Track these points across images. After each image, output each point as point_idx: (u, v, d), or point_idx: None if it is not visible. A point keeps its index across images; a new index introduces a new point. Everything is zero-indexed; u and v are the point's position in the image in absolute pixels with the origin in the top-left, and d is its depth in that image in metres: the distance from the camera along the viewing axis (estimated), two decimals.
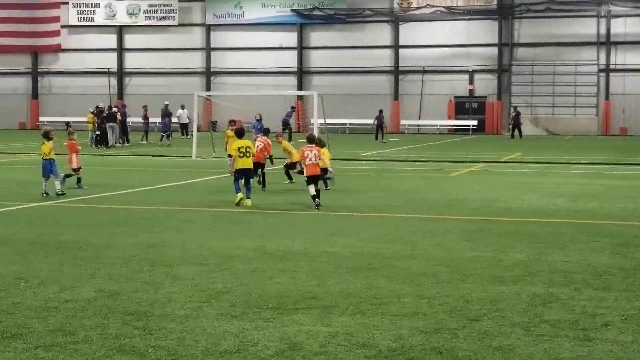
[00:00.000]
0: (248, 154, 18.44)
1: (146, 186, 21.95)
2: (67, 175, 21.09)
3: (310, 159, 18.08)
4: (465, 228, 14.87)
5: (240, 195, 18.16)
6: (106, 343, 7.59)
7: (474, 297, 9.48)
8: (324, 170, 20.14)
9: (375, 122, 50.63)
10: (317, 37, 64.05)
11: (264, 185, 21.60)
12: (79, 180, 21.59)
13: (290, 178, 22.98)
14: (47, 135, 20.21)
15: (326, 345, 7.55)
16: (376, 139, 49.10)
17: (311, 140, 18.84)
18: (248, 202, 18.11)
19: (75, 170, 21.73)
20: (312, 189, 17.73)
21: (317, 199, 17.65)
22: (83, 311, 8.74)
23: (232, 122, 27.30)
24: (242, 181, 18.52)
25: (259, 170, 21.34)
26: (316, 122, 34.42)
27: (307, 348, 7.47)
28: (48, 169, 19.74)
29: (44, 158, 19.81)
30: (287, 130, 46.56)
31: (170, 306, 8.98)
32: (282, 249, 12.56)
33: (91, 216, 16.47)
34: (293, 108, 50.32)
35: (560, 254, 12.32)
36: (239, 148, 18.47)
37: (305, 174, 18.09)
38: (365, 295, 9.51)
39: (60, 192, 19.75)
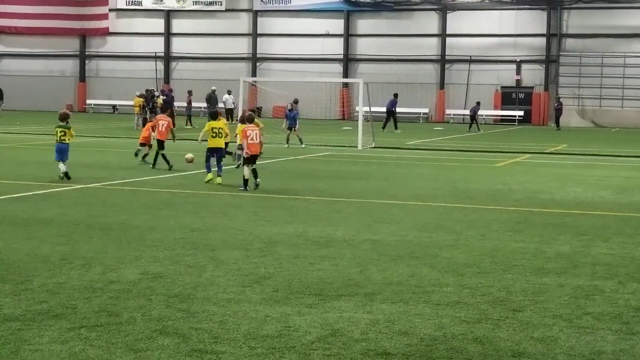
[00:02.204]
0: (220, 134, 19.89)
1: (190, 170, 22.09)
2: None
3: (252, 138, 18.66)
4: (509, 219, 14.78)
5: (210, 175, 19.53)
6: (149, 324, 7.67)
7: (517, 288, 9.43)
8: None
9: (470, 113, 50.58)
10: (363, 24, 63.88)
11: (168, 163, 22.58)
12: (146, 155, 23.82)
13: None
14: (68, 119, 20.14)
15: (367, 332, 7.56)
16: (469, 129, 48.89)
17: (251, 119, 19.47)
18: (218, 179, 19.30)
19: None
20: (246, 170, 18.51)
21: (256, 179, 18.44)
22: (127, 292, 8.83)
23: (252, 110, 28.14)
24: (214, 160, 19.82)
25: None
26: (361, 110, 34.33)
27: (348, 335, 7.49)
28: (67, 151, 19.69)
29: (68, 142, 19.65)
30: (391, 119, 46.85)
31: (213, 290, 9.04)
32: (325, 236, 12.58)
33: (136, 199, 16.63)
34: (396, 96, 50.23)
35: (604, 246, 12.20)
36: (212, 129, 19.92)
37: (246, 153, 18.61)
38: (407, 284, 9.50)
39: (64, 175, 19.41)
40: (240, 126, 20.10)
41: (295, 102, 34.63)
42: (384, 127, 46.33)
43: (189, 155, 23.03)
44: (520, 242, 12.43)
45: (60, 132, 19.72)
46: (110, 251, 11.07)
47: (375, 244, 12.04)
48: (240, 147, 20.77)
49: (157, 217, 14.16)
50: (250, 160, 18.57)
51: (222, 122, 20.36)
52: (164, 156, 22.66)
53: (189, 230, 12.79)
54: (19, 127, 41.39)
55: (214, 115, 21.22)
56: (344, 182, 20.44)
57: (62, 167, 19.34)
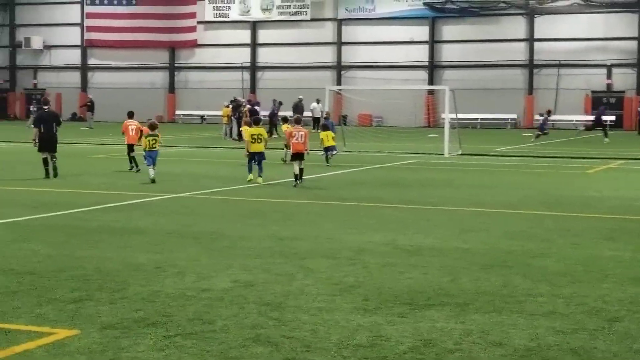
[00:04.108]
0: (260, 140, 21.54)
1: (277, 179, 22.25)
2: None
3: (297, 139, 21.12)
4: (602, 226, 14.48)
5: (251, 175, 21.35)
6: (242, 332, 7.74)
7: (613, 297, 9.22)
8: (328, 148, 26.86)
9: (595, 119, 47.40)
10: (449, 30, 63.45)
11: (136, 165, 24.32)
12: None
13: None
14: (157, 128, 22.42)
15: (460, 343, 7.48)
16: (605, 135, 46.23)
17: (298, 121, 22.60)
18: (260, 180, 21.18)
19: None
20: (295, 166, 20.76)
21: (297, 177, 20.58)
22: (220, 300, 8.93)
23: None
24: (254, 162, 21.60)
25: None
26: (447, 116, 34.10)
27: (442, 345, 7.43)
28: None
29: (157, 149, 21.84)
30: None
31: (304, 298, 9.08)
32: (414, 244, 12.51)
33: (226, 208, 16.82)
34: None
35: None
36: (252, 135, 21.68)
37: (291, 151, 21.37)
38: (499, 293, 9.38)
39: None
40: (284, 127, 26.27)
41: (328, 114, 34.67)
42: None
43: None
44: (615, 250, 12.16)
45: (151, 140, 21.71)
46: (203, 259, 11.21)
47: (465, 252, 11.93)
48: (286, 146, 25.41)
49: (246, 225, 14.30)
50: (296, 157, 20.85)
51: (261, 129, 22.14)
52: (133, 158, 24.37)
53: (277, 239, 12.87)
54: (111, 138, 42.28)
55: (256, 122, 22.90)
56: (431, 189, 20.32)
57: (151, 172, 21.07)
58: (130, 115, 26.56)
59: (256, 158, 21.41)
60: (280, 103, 49.81)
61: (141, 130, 25.18)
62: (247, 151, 21.64)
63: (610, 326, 8.06)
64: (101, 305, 8.70)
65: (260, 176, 21.24)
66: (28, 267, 10.59)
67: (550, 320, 8.24)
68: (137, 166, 24.07)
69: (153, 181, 20.93)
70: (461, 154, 32.43)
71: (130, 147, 24.84)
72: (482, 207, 17.08)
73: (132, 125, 25.46)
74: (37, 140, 22.15)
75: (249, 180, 21.28)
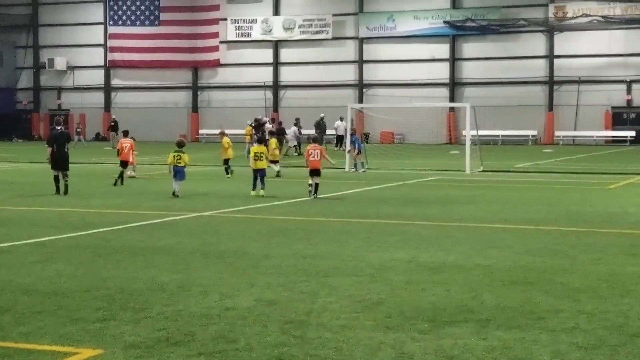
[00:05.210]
0: (262, 158, 23.17)
1: (300, 197, 22.34)
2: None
3: (314, 157, 22.33)
4: (625, 242, 14.45)
5: (253, 192, 22.73)
6: (265, 351, 7.80)
7: (635, 313, 9.22)
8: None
9: None
10: (469, 48, 63.54)
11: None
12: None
13: (227, 172, 29.84)
14: (183, 146, 23.53)
15: (483, 359, 7.51)
16: None
17: (315, 140, 23.60)
18: (262, 192, 22.60)
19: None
20: (310, 180, 22.11)
21: (312, 190, 21.96)
22: (243, 319, 8.99)
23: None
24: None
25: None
26: (468, 133, 34.10)
27: None
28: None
29: (182, 165, 22.79)
30: None
31: (327, 316, 9.13)
32: (436, 261, 12.55)
33: (249, 226, 16.89)
34: None
35: None
36: (255, 153, 23.34)
37: (308, 168, 22.41)
38: (522, 310, 9.39)
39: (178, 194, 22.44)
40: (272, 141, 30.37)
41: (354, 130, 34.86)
42: None
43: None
44: (637, 266, 12.14)
45: (176, 156, 22.78)
46: (226, 278, 11.28)
47: (487, 269, 11.94)
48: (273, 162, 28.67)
49: (270, 244, 14.37)
50: (313, 173, 22.09)
51: (263, 148, 24.03)
52: (121, 174, 26.26)
53: (301, 257, 12.93)
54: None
55: (259, 141, 25.17)
56: (453, 206, 20.34)
57: (175, 186, 22.42)
58: (125, 134, 28.47)
59: (258, 174, 22.92)
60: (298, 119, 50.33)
61: (132, 149, 27.36)
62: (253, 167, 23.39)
63: (632, 341, 8.06)
64: (125, 324, 8.78)
65: (262, 189, 22.74)
66: (52, 287, 10.70)
67: (572, 336, 8.25)
68: (122, 181, 26.02)
69: (177, 195, 22.24)
70: (482, 171, 32.42)
71: (123, 164, 26.88)
72: (504, 224, 17.09)
73: (126, 143, 27.41)
74: (50, 159, 23.30)
75: (255, 195, 22.53)
